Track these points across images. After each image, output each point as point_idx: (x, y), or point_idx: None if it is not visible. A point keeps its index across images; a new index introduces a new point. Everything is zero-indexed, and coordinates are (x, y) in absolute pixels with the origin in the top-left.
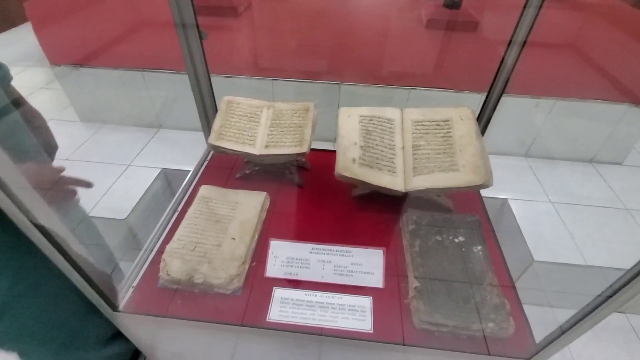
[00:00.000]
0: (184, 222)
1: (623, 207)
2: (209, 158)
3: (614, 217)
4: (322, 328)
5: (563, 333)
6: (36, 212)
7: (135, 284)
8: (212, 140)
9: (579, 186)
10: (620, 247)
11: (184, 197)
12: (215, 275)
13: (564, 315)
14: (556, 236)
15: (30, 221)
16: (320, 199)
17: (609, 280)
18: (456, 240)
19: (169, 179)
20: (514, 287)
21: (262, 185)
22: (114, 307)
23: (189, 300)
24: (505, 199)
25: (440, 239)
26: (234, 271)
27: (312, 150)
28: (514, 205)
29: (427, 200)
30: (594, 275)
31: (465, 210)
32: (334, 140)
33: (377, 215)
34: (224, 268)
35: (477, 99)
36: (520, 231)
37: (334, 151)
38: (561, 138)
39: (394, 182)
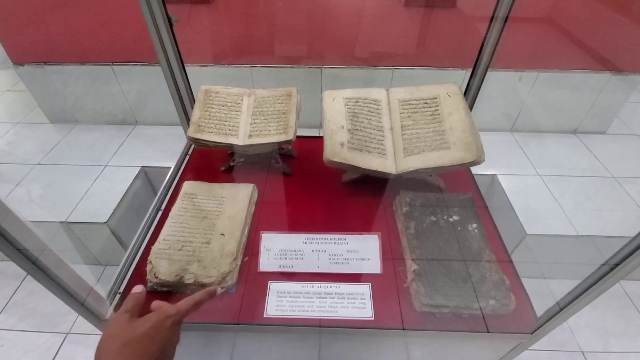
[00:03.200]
0: (168, 221)
1: (609, 175)
2: (190, 152)
3: (602, 185)
4: (321, 319)
5: (569, 304)
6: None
7: (122, 289)
8: (192, 132)
9: (566, 157)
10: (610, 215)
11: (166, 195)
12: (206, 274)
13: (561, 286)
14: (546, 208)
15: None
16: (309, 186)
17: (601, 249)
18: (451, 219)
19: (149, 177)
20: (512, 262)
21: (248, 177)
22: (99, 318)
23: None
24: (494, 175)
25: (435, 219)
26: (225, 268)
27: (298, 137)
28: (503, 181)
29: (418, 181)
30: (586, 245)
31: (457, 188)
32: (319, 126)
33: (369, 199)
34: (214, 266)
35: (461, 75)
36: (512, 206)
37: (321, 137)
38: (546, 110)
39: (384, 164)
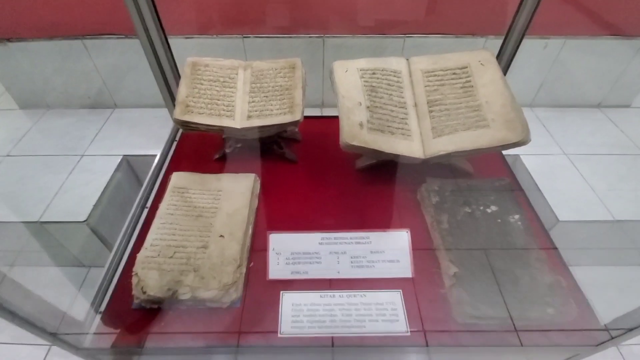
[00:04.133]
0: (156, 222)
1: None
2: (177, 138)
3: (633, 164)
4: (348, 337)
5: None
6: None
7: (103, 308)
8: (178, 114)
9: (591, 134)
10: None
11: (152, 189)
12: (206, 287)
13: (615, 274)
14: (577, 191)
15: None
16: (319, 175)
17: None
18: (488, 210)
19: (133, 167)
20: (561, 258)
21: (246, 166)
22: (76, 347)
23: (175, 322)
24: (517, 155)
25: (469, 210)
26: (228, 279)
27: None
28: (526, 162)
29: (442, 165)
30: (626, 230)
31: (487, 172)
32: (322, 105)
33: (388, 188)
34: (214, 276)
35: (481, 44)
36: (539, 189)
37: (327, 117)
38: (569, 83)
39: (411, 147)
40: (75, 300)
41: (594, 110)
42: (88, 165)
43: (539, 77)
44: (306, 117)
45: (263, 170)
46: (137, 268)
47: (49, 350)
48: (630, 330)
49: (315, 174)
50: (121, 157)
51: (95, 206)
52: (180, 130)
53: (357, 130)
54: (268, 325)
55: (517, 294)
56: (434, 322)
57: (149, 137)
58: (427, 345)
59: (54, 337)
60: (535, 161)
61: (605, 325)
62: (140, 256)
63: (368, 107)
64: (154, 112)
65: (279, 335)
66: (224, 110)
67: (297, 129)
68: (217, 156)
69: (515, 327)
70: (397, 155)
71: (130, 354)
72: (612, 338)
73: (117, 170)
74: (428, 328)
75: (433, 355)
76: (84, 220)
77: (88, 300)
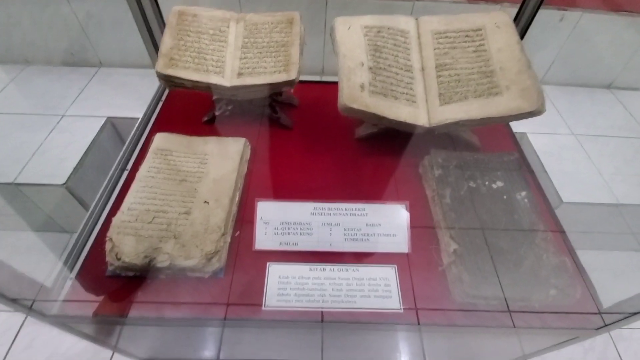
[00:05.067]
0: (135, 185)
1: None
2: (163, 98)
3: None
4: (337, 313)
5: None
6: None
7: (74, 275)
8: (161, 67)
9: (601, 115)
10: None
11: (133, 151)
12: (186, 255)
13: (613, 259)
14: (583, 173)
15: None
16: (315, 143)
17: None
18: (494, 185)
19: (118, 130)
20: (568, 241)
21: (237, 130)
22: (43, 314)
23: (152, 291)
24: (524, 133)
25: (474, 185)
26: (211, 247)
27: (299, 82)
28: (533, 140)
29: (448, 138)
30: (628, 215)
31: (495, 147)
32: (322, 72)
33: (389, 159)
34: (197, 244)
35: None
36: (544, 169)
37: (327, 82)
38: (581, 60)
39: (415, 114)
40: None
41: (604, 91)
42: (69, 126)
43: (551, 54)
44: (304, 82)
45: (255, 135)
46: (111, 233)
47: (25, 318)
48: (627, 317)
49: (311, 142)
50: (105, 118)
51: (75, 169)
52: (167, 90)
53: (357, 93)
54: (252, 297)
55: (520, 274)
56: (429, 300)
57: (136, 98)
58: (419, 324)
59: (15, 303)
60: (543, 140)
61: (598, 309)
62: (115, 220)
63: (371, 68)
64: (142, 73)
65: (264, 308)
66: (212, 65)
67: (292, 90)
68: (205, 119)
69: (511, 309)
70: (399, 123)
71: (102, 322)
72: (606, 325)
73: (100, 132)
74: (423, 306)
75: (427, 335)
76: (63, 184)
77: (61, 267)
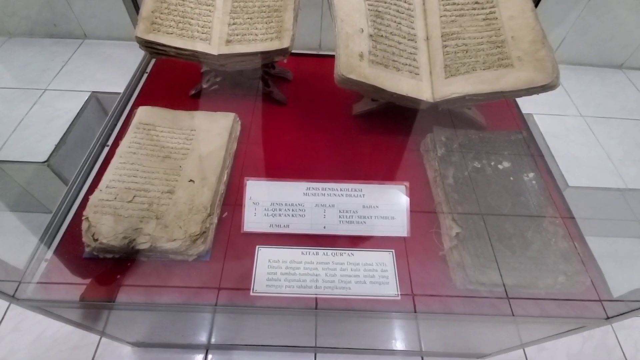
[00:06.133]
0: (114, 161)
1: None
2: (149, 70)
3: None
4: (330, 298)
5: None
6: None
7: (49, 256)
8: (142, 32)
9: (611, 96)
10: None
11: (115, 126)
12: (169, 237)
13: (621, 245)
14: (591, 156)
15: None
16: (310, 120)
17: None
18: (500, 166)
19: (103, 105)
20: (578, 227)
21: (227, 104)
22: (12, 296)
23: (132, 275)
24: (530, 114)
25: (479, 165)
26: (195, 228)
27: (294, 55)
28: (540, 121)
29: (451, 115)
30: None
31: (501, 126)
32: (319, 48)
33: (388, 138)
34: (180, 225)
35: None
36: (550, 151)
37: (323, 55)
38: (592, 39)
39: (418, 88)
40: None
41: (615, 71)
42: (51, 100)
43: (561, 31)
44: (300, 55)
45: (246, 110)
46: (88, 212)
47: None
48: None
49: (305, 118)
50: (89, 93)
51: (57, 146)
52: (153, 62)
53: (356, 62)
54: (240, 282)
55: (526, 260)
56: (428, 286)
57: (122, 72)
58: (415, 312)
59: None
60: (550, 121)
61: (603, 298)
62: (93, 199)
63: (371, 35)
64: (129, 45)
65: (252, 293)
66: (198, 31)
67: (286, 61)
68: (193, 92)
69: (516, 296)
70: (401, 97)
71: (76, 306)
72: (623, 314)
73: (84, 107)
74: (421, 292)
75: (424, 322)
76: (45, 161)
77: (36, 248)
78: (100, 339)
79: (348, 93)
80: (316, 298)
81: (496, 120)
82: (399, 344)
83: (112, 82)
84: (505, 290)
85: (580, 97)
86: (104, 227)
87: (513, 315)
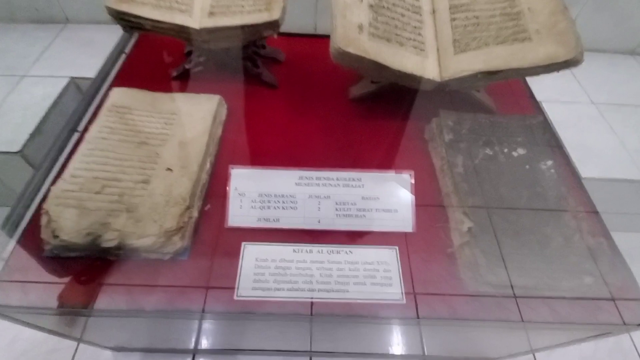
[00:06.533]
0: (82, 148)
1: None
2: (127, 50)
3: None
4: (325, 302)
5: None
6: None
7: (6, 255)
8: (113, 2)
9: (623, 83)
10: None
11: (86, 110)
12: (141, 232)
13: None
14: (604, 146)
15: None
16: (303, 104)
17: None
18: (514, 153)
19: (82, 91)
20: (602, 222)
21: (213, 87)
22: None
23: (98, 276)
24: (539, 102)
25: (491, 152)
26: (172, 223)
27: (286, 35)
28: (548, 109)
29: (458, 98)
30: None
31: (512, 112)
32: (314, 31)
33: (389, 124)
34: (155, 219)
35: None
36: (561, 141)
37: (318, 36)
38: (602, 22)
39: (423, 65)
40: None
41: (626, 57)
42: (29, 87)
43: (571, 12)
44: (292, 35)
45: (233, 93)
46: (48, 204)
47: None
48: None
49: (298, 103)
50: (68, 79)
51: (32, 135)
52: (133, 41)
53: (354, 34)
54: (222, 284)
55: (547, 258)
56: (436, 287)
57: (104, 57)
58: (418, 318)
59: None
60: (559, 109)
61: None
62: (55, 189)
63: (372, 5)
64: (113, 30)
65: (236, 297)
66: (177, 2)
67: (276, 36)
68: (175, 74)
69: (536, 298)
70: (404, 76)
71: (29, 312)
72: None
73: (62, 94)
74: (428, 294)
75: (432, 328)
76: (18, 151)
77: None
78: (79, 344)
79: (344, 75)
80: (311, 302)
81: (507, 105)
82: (399, 349)
83: (92, 67)
84: (521, 293)
85: (590, 83)
86: (66, 221)
87: (532, 322)
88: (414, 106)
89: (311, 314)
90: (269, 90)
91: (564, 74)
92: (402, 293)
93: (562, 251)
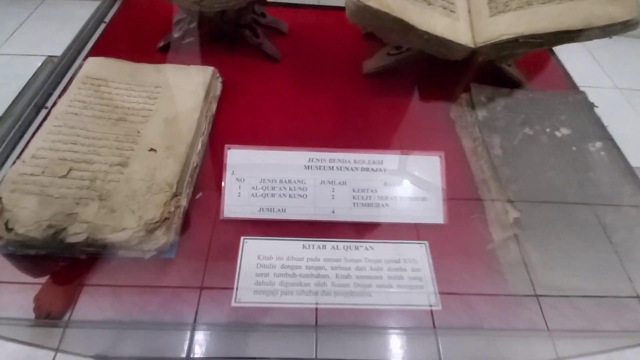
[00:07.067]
0: (47, 125)
1: None
2: (108, 19)
3: None
4: (342, 310)
5: None
6: None
7: None
8: None
9: None
10: None
11: (57, 85)
12: (115, 225)
13: None
14: (631, 131)
15: None
16: (311, 80)
17: None
18: (557, 133)
19: None
20: None
21: (207, 59)
22: None
23: (65, 277)
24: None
25: (531, 132)
26: (154, 213)
27: (289, 5)
28: None
29: (486, 73)
30: None
31: (544, 87)
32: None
33: (409, 101)
34: (133, 209)
35: None
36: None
37: (325, 7)
38: None
39: (454, 28)
40: None
41: None
42: (2, 65)
43: None
44: (296, 6)
45: (230, 66)
46: (2, 190)
47: None
48: None
49: (304, 78)
50: (45, 57)
51: (2, 118)
52: (114, 10)
53: None
54: (218, 287)
55: (611, 255)
56: (474, 289)
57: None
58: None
59: None
60: None
61: None
62: (10, 173)
63: None
64: (94, 5)
65: (233, 304)
66: None
67: (268, 3)
68: (161, 44)
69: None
70: (432, 40)
71: None
72: None
73: (37, 73)
74: (469, 300)
75: (471, 338)
76: None
77: None
78: (56, 354)
79: (356, 49)
80: (316, 309)
81: (539, 82)
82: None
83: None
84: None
85: (613, 68)
86: (24, 211)
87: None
88: (436, 82)
89: (316, 323)
90: (271, 64)
91: (585, 57)
92: (436, 297)
93: (627, 247)
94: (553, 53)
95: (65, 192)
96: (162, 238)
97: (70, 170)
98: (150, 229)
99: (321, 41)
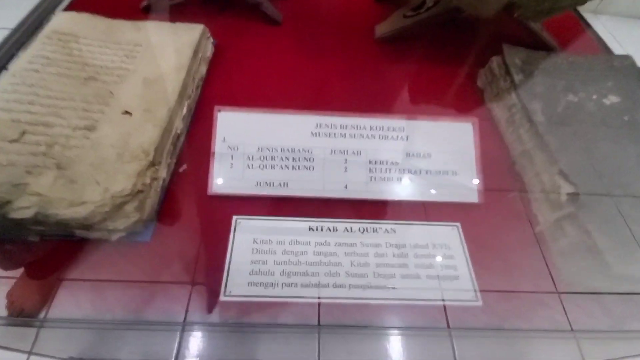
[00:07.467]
0: (2, 83)
1: None
2: None
3: None
4: (358, 307)
5: None
6: None
7: None
8: None
9: None
10: None
11: (23, 44)
12: (74, 198)
13: None
14: None
15: None
16: (316, 44)
17: None
18: (606, 101)
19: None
20: None
21: (198, 21)
22: None
23: (11, 263)
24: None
25: (575, 99)
26: (124, 184)
27: None
28: None
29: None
30: None
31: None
32: None
33: (426, 67)
34: (98, 179)
35: None
36: None
37: None
38: None
39: None
40: None
41: None
42: None
43: None
44: None
45: (224, 28)
46: None
47: None
48: None
49: (309, 42)
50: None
51: None
52: None
53: None
54: (202, 278)
55: None
56: (522, 282)
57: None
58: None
59: None
60: None
61: None
62: None
63: None
64: None
65: (222, 298)
66: None
67: None
68: (145, 3)
69: None
70: None
71: None
72: None
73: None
74: (510, 297)
75: (519, 341)
76: None
77: None
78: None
79: (367, 13)
80: (318, 304)
81: (573, 47)
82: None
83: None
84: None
85: (634, 51)
86: None
87: None
88: (459, 46)
89: (319, 323)
90: (271, 27)
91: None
92: (475, 290)
93: None
94: (582, 18)
95: (15, 159)
96: (134, 215)
97: (23, 133)
98: (119, 203)
99: (325, 4)
